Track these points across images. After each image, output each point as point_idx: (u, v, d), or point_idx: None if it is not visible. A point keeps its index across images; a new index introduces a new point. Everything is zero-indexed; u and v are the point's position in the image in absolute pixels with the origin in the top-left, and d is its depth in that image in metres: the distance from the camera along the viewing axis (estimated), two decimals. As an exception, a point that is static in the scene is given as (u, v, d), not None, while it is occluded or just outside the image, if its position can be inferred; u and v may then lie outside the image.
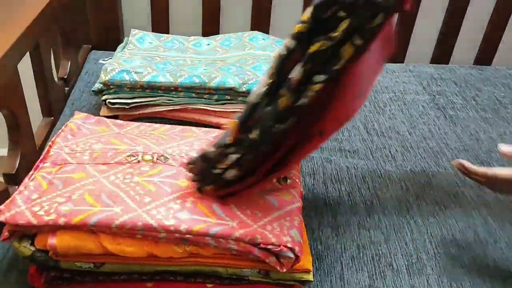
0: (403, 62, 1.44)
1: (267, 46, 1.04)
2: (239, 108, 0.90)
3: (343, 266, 0.74)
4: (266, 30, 1.36)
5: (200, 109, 0.89)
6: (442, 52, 1.47)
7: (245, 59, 0.97)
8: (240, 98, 0.90)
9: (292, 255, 0.60)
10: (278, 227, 0.62)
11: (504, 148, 0.74)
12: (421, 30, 1.46)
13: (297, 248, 0.60)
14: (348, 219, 0.82)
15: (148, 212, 0.60)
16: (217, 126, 0.89)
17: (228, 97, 0.90)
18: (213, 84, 0.87)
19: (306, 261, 0.64)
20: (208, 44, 1.06)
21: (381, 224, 0.81)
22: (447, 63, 1.47)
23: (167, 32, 1.31)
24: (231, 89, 0.88)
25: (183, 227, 0.59)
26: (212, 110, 0.89)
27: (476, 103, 1.19)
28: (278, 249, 0.59)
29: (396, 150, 1.00)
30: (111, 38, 1.28)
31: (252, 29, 1.37)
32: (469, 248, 0.78)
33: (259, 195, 0.67)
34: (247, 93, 0.89)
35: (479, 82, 1.29)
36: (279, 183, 0.71)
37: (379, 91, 1.20)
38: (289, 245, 0.59)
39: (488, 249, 0.78)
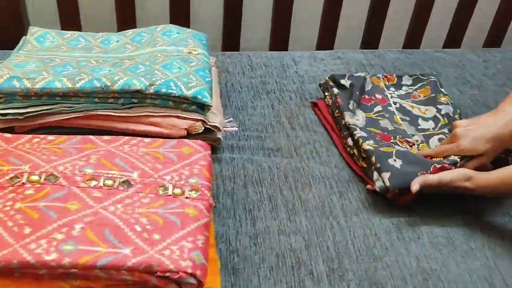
0: (332, 49, 1.41)
1: (181, 40, 0.96)
2: (147, 112, 0.83)
3: (261, 279, 0.69)
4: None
5: (104, 115, 0.81)
6: (372, 37, 1.44)
7: (156, 57, 0.90)
8: (148, 101, 0.83)
9: (193, 281, 0.55)
10: (178, 251, 0.56)
11: (414, 187, 0.78)
12: (350, 14, 1.43)
13: (198, 273, 0.55)
14: (268, 225, 0.77)
15: (26, 246, 0.53)
16: (124, 133, 0.82)
17: (135, 100, 0.82)
18: (116, 87, 0.80)
19: (213, 283, 0.59)
20: (118, 41, 0.97)
21: (302, 229, 0.77)
22: (377, 48, 1.44)
23: (79, 29, 1.21)
24: (137, 91, 0.81)
25: (66, 261, 0.52)
26: (118, 116, 0.82)
27: (404, 89, 1.17)
28: (177, 276, 0.54)
29: (321, 145, 0.96)
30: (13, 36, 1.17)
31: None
32: (392, 247, 0.76)
33: (160, 213, 0.61)
34: (155, 95, 0.82)
35: (407, 67, 1.27)
36: (186, 196, 0.65)
37: (305, 81, 1.16)
38: (189, 270, 0.54)
39: (411, 246, 0.76)
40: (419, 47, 1.47)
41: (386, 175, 0.81)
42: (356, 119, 0.94)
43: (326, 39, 1.41)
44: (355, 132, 0.90)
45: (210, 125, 0.85)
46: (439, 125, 0.96)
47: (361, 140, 0.87)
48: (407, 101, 1.03)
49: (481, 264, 0.75)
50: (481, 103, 1.14)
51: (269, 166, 0.89)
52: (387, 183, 0.80)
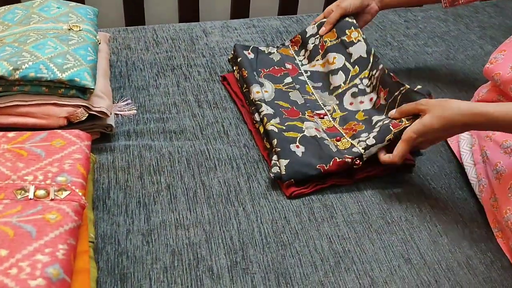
0: (248, 17, 1.32)
1: (61, 16, 0.84)
2: (16, 101, 0.71)
3: (153, 283, 0.61)
4: None
5: (-39, 108, 0.69)
6: (289, 2, 1.36)
7: (27, 36, 0.77)
8: (16, 88, 0.71)
9: (48, 302, 0.45)
10: (28, 267, 0.47)
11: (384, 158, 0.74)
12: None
13: (54, 292, 0.45)
14: (164, 219, 0.69)
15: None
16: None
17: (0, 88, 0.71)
18: (-28, 75, 0.68)
19: (80, 300, 0.50)
20: (-13, 21, 0.84)
21: (204, 219, 0.69)
22: (295, 14, 1.36)
23: None
24: (0, 78, 0.69)
25: None
26: (-21, 108, 0.70)
27: (322, 56, 1.10)
28: (24, 299, 0.44)
29: (230, 123, 0.87)
30: None
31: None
32: (303, 231, 0.69)
33: (12, 223, 0.51)
34: (22, 81, 0.70)
35: (326, 32, 1.19)
36: (51, 197, 0.55)
37: (216, 53, 1.06)
38: (39, 291, 0.45)
39: (324, 227, 0.70)
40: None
41: (283, 162, 0.74)
42: (265, 90, 0.87)
43: (240, 8, 1.31)
44: (261, 110, 0.82)
45: (95, 111, 0.75)
46: (349, 76, 0.90)
47: (265, 119, 0.80)
48: (317, 60, 0.96)
49: (397, 239, 0.69)
50: (401, 65, 1.09)
51: (170, 152, 0.80)
52: (283, 171, 0.73)
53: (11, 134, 0.64)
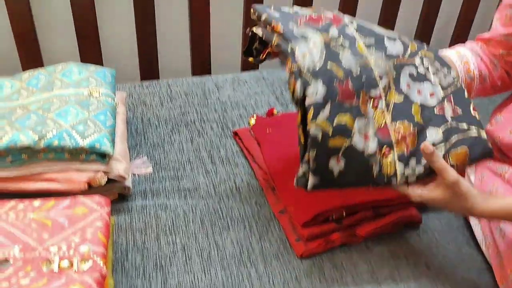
0: (258, 69, 1.36)
1: (82, 80, 0.89)
2: (41, 168, 0.76)
3: None
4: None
5: (-11, 176, 0.73)
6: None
7: (51, 103, 0.82)
8: (41, 155, 0.75)
9: None
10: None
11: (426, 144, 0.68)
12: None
13: None
14: (180, 281, 0.71)
15: None
16: (19, 193, 0.75)
17: (26, 157, 0.75)
18: (0, 144, 0.72)
19: None
20: (11, 86, 0.89)
21: (218, 282, 0.72)
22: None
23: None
24: (27, 147, 0.74)
25: None
26: (5, 177, 0.74)
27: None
28: None
29: (242, 179, 0.91)
30: None
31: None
32: (313, 291, 0.71)
33: (38, 297, 0.54)
34: (46, 149, 0.74)
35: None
36: (74, 269, 0.58)
37: (228, 107, 1.10)
38: None
39: (334, 287, 0.72)
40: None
41: (313, 179, 0.65)
42: (313, 45, 0.66)
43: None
44: (309, 89, 0.63)
45: (114, 175, 0.79)
46: (408, 51, 0.73)
47: (312, 110, 0.63)
48: (363, 22, 0.76)
49: (406, 299, 0.71)
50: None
51: (184, 211, 0.83)
52: (309, 185, 0.65)
53: (36, 203, 0.68)
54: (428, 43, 1.54)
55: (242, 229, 0.80)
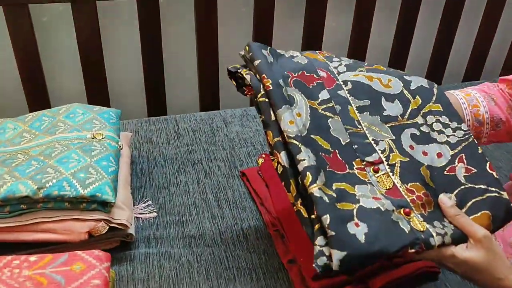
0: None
1: (85, 123, 0.87)
2: (40, 218, 0.73)
3: None
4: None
5: (-14, 228, 0.71)
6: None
7: (53, 148, 0.80)
8: (40, 205, 0.73)
9: None
10: None
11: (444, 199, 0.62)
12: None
13: None
14: None
15: None
16: (14, 244, 0.72)
17: (24, 206, 0.72)
18: (-2, 195, 0.70)
19: None
20: (14, 129, 0.87)
21: None
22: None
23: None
24: (25, 197, 0.71)
25: None
26: (3, 227, 0.71)
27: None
28: None
29: (249, 225, 0.87)
30: None
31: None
32: None
33: None
34: (45, 198, 0.72)
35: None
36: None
37: (236, 145, 1.08)
38: None
39: None
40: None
41: (338, 255, 0.53)
42: (297, 113, 0.62)
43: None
44: (299, 156, 0.57)
45: (116, 223, 0.76)
46: (409, 110, 0.67)
47: (309, 176, 0.56)
48: (360, 70, 0.71)
49: None
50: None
51: (189, 261, 0.79)
52: (336, 265, 0.53)
53: (32, 258, 0.65)
54: (441, 78, 1.50)
55: (249, 281, 0.76)
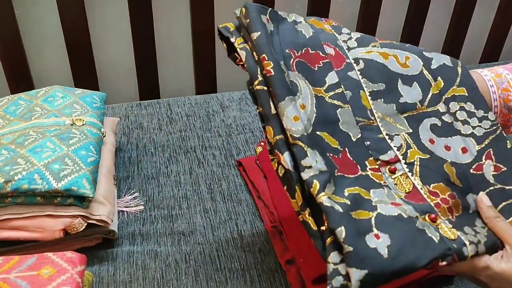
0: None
1: (65, 107, 0.79)
2: (8, 215, 0.66)
3: None
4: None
5: None
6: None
7: (27, 135, 0.72)
8: (9, 200, 0.65)
9: None
10: None
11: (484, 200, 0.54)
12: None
13: None
14: None
15: None
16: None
17: (-9, 202, 0.65)
18: (-39, 189, 0.62)
19: None
20: (-11, 113, 0.80)
21: None
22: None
23: None
24: (-9, 190, 0.64)
25: None
26: (-33, 225, 0.64)
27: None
28: None
29: (245, 220, 0.79)
30: None
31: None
32: None
33: None
34: (15, 193, 0.64)
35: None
36: None
37: (233, 131, 0.99)
38: None
39: None
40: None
41: (357, 274, 0.44)
42: (301, 104, 0.52)
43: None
44: (304, 161, 0.48)
45: (94, 220, 0.68)
46: (429, 96, 0.59)
47: (316, 184, 0.47)
48: (373, 46, 0.61)
49: None
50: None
51: (176, 261, 0.72)
52: (355, 286, 0.44)
53: (-3, 260, 0.58)
54: (497, 57, 1.41)
55: (242, 283, 0.69)
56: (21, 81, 1.06)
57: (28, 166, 0.66)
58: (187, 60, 1.21)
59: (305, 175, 0.48)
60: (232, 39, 0.58)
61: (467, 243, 0.49)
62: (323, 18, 0.65)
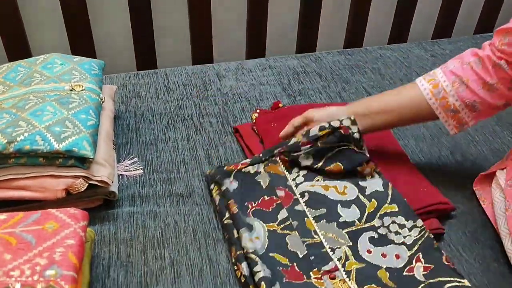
0: (264, 56, 1.26)
1: (64, 74, 0.80)
2: (12, 175, 0.68)
3: None
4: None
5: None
6: (307, 39, 1.29)
7: (27, 100, 0.74)
8: (12, 160, 0.67)
9: None
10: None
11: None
12: (279, 18, 1.28)
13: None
14: (167, 304, 0.63)
15: None
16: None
17: (-6, 162, 0.67)
18: (-34, 149, 0.64)
19: None
20: (-12, 80, 0.81)
21: (208, 304, 0.64)
22: (314, 51, 1.30)
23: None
24: (-5, 151, 0.66)
25: None
26: (-28, 184, 0.66)
27: (342, 100, 1.03)
28: None
29: (241, 183, 0.82)
30: None
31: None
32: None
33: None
34: (16, 153, 0.66)
35: (347, 71, 1.13)
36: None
37: (230, 100, 1.01)
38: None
39: None
40: (362, 45, 1.33)
41: None
42: (256, 237, 0.68)
43: (256, 46, 1.25)
44: (255, 269, 0.63)
45: (95, 180, 0.70)
46: (366, 214, 0.72)
47: (263, 285, 0.60)
48: (317, 181, 0.76)
49: (424, 328, 0.62)
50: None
51: (175, 220, 0.74)
52: None
53: (2, 216, 0.60)
54: (451, 31, 1.41)
55: (239, 241, 0.72)
56: (20, 55, 1.07)
57: (30, 128, 0.68)
58: (184, 31, 1.22)
59: (256, 278, 0.62)
60: (211, 187, 0.78)
61: None
62: (278, 160, 0.79)
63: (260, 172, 0.78)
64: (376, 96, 0.82)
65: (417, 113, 0.77)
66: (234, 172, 0.77)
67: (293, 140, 0.78)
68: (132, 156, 0.85)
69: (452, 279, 0.64)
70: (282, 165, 0.79)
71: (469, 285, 0.63)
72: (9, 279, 0.52)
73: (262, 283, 0.61)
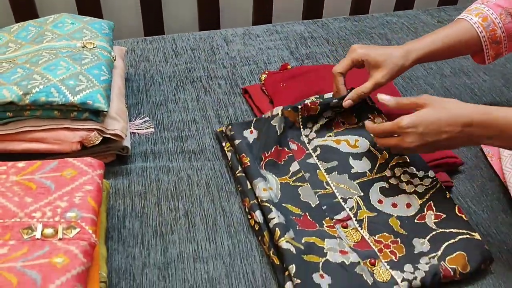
0: (270, 22, 1.26)
1: (75, 32, 0.81)
2: (28, 127, 0.69)
3: (169, 324, 0.57)
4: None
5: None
6: (314, 5, 1.29)
7: (40, 56, 0.74)
8: (27, 113, 0.68)
9: None
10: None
11: (383, 96, 0.70)
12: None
13: None
14: (182, 251, 0.65)
15: None
16: (5, 153, 0.68)
17: (11, 114, 0.68)
18: (-18, 100, 0.65)
19: None
20: (0, 39, 0.81)
21: (224, 251, 0.65)
22: (321, 17, 1.30)
23: None
24: (11, 103, 0.66)
25: None
26: (-9, 135, 0.67)
27: (350, 63, 1.04)
28: None
29: (252, 140, 0.83)
30: None
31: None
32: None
33: (17, 269, 0.48)
34: (32, 105, 0.67)
35: (354, 36, 1.13)
36: (59, 237, 0.52)
37: (238, 63, 1.01)
38: None
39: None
40: (368, 12, 1.32)
41: None
42: (270, 187, 0.69)
43: (263, 11, 1.25)
44: (270, 216, 0.64)
45: (109, 134, 0.71)
46: (377, 165, 0.73)
47: (278, 231, 0.61)
48: (329, 136, 0.78)
49: (434, 272, 0.64)
50: (435, 71, 1.02)
51: (188, 174, 0.75)
52: None
53: (21, 164, 0.61)
54: (456, 0, 1.40)
55: (251, 194, 0.73)
56: (27, 17, 1.07)
57: (45, 81, 0.69)
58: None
59: (270, 224, 0.63)
60: (223, 143, 0.78)
61: (399, 281, 0.60)
62: (299, 107, 0.78)
63: (277, 114, 0.77)
64: (434, 35, 0.78)
65: (466, 46, 0.78)
66: (254, 121, 0.78)
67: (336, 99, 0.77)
68: (143, 116, 0.86)
69: (464, 231, 0.64)
70: (300, 115, 0.78)
71: (479, 238, 0.64)
72: (31, 220, 0.54)
73: (277, 229, 0.62)
